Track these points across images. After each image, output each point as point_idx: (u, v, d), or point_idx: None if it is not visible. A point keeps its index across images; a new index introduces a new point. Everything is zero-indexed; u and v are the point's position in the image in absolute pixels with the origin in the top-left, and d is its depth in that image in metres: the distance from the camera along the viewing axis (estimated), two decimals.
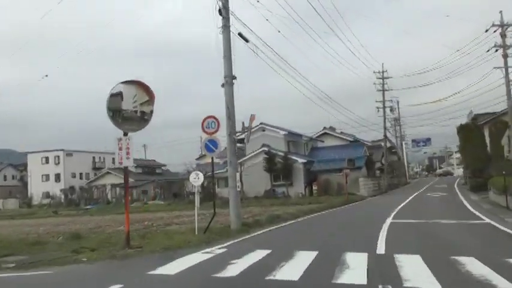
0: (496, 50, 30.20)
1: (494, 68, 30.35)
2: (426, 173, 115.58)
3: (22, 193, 71.30)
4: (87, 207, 48.33)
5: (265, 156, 38.67)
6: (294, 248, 9.45)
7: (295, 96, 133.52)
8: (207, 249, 9.67)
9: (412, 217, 16.69)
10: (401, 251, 8.77)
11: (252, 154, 40.00)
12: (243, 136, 41.73)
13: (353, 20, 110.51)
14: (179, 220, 21.57)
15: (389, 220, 15.55)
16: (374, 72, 50.02)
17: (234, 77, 15.45)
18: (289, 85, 45.23)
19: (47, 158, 72.50)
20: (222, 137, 14.17)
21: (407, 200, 26.77)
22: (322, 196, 34.68)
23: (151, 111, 10.48)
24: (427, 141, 79.44)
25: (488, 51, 30.67)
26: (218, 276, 6.89)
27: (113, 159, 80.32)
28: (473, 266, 7.12)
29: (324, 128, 53.66)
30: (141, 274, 7.30)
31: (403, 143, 72.84)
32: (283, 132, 41.69)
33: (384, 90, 50.30)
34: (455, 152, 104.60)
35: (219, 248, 9.91)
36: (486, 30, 30.54)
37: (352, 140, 51.57)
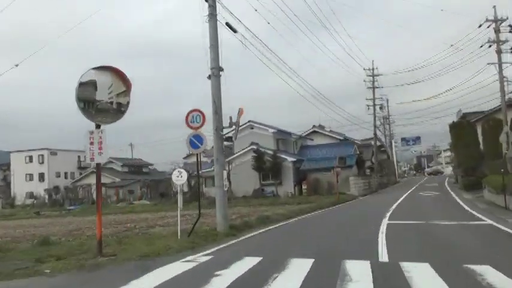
0: (490, 46, 29.63)
1: (488, 64, 29.79)
2: (414, 172, 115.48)
3: (5, 193, 69.43)
4: (71, 207, 47.04)
5: (254, 154, 37.73)
6: (287, 254, 8.49)
7: (284, 94, 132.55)
8: (190, 257, 8.62)
9: (408, 218, 15.84)
10: (406, 257, 7.86)
11: (240, 152, 39.04)
12: (231, 134, 40.89)
13: (344, 16, 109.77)
14: (164, 222, 20.55)
15: (385, 221, 14.68)
16: (364, 69, 49.41)
17: (221, 69, 14.47)
18: (278, 83, 44.63)
19: (30, 157, 70.83)
20: (207, 132, 13.12)
21: (400, 200, 25.96)
22: (312, 196, 33.84)
23: (128, 103, 9.41)
24: (416, 139, 78.95)
25: (481, 46, 30.12)
26: None
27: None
28: (492, 276, 6.21)
29: (314, 126, 52.94)
30: None
31: (393, 141, 72.34)
32: (272, 130, 40.75)
33: (374, 88, 49.64)
34: (444, 151, 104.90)
35: (204, 255, 8.86)
36: (479, 26, 30.02)
37: (341, 138, 50.90)
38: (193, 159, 52.21)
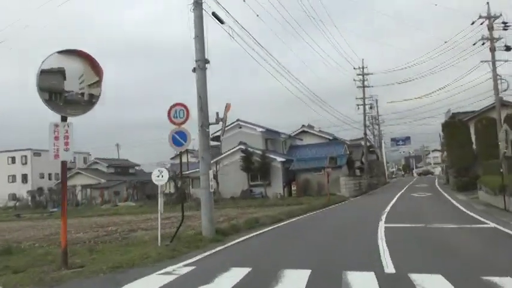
0: (483, 43, 28.93)
1: (482, 61, 29.04)
2: (403, 173, 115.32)
3: None
4: (53, 210, 45.61)
5: (242, 154, 36.72)
6: (279, 264, 7.50)
7: (273, 94, 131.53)
8: (169, 268, 7.55)
9: (406, 221, 14.97)
10: (414, 268, 6.93)
11: (228, 152, 38.03)
12: (218, 133, 39.95)
13: (335, 12, 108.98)
14: (147, 225, 19.50)
15: (382, 224, 13.78)
16: (354, 68, 48.70)
17: (207, 61, 13.45)
18: (266, 83, 43.46)
19: (13, 158, 69.23)
20: (189, 128, 12.02)
21: (393, 201, 25.12)
22: (302, 197, 32.94)
23: (100, 94, 8.34)
24: (406, 140, 78.39)
25: (474, 44, 29.41)
26: None
27: (84, 158, 78.23)
28: None
29: (303, 126, 52.11)
30: None
31: (383, 141, 71.73)
32: (261, 130, 39.77)
33: (364, 87, 48.94)
34: (433, 151, 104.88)
35: (185, 266, 7.79)
36: (472, 23, 29.30)
37: (331, 138, 50.11)
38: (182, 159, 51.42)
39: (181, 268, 7.56)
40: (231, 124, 39.24)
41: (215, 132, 38.33)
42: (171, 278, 6.78)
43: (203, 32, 13.59)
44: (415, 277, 6.25)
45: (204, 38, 13.56)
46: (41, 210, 46.68)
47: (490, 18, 28.55)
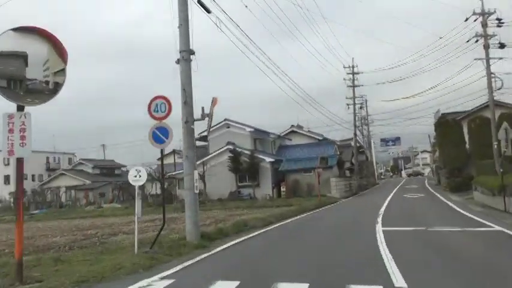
0: (477, 41, 28.27)
1: (475, 59, 28.34)
2: (391, 174, 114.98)
3: None
4: (35, 212, 44.37)
5: (230, 154, 35.66)
6: (272, 276, 6.52)
7: (261, 94, 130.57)
8: (143, 282, 6.49)
9: (404, 223, 14.08)
10: (427, 281, 5.99)
11: (216, 152, 36.95)
12: (205, 133, 38.81)
13: (326, 8, 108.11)
14: (129, 228, 18.39)
15: (379, 228, 12.86)
16: (344, 67, 47.92)
17: (192, 52, 12.43)
18: (255, 83, 42.40)
19: None
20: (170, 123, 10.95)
21: (386, 203, 24.23)
22: (292, 198, 31.92)
23: (64, 81, 7.26)
24: (396, 140, 77.77)
25: (468, 41, 28.73)
26: None
27: (69, 159, 76.55)
28: None
29: (292, 126, 51.20)
30: None
31: (372, 141, 71.10)
32: (249, 129, 38.73)
33: (354, 86, 48.20)
34: (422, 152, 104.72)
35: (163, 278, 6.72)
36: (466, 19, 28.64)
37: (320, 138, 49.26)
38: (169, 160, 50.27)
39: (157, 282, 6.48)
40: (218, 124, 38.24)
41: (202, 132, 37.31)
42: None
43: (188, 20, 12.59)
44: None
45: (188, 27, 12.58)
46: (24, 212, 45.36)
47: (484, 14, 27.92)
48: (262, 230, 14.00)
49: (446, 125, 31.77)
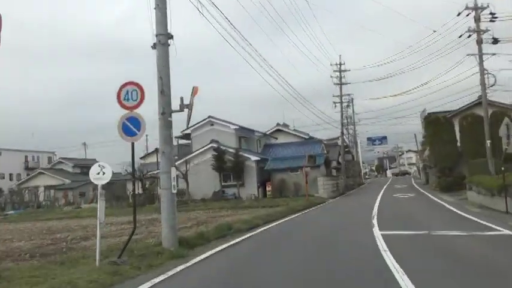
0: (469, 36, 27.37)
1: (468, 55, 27.48)
2: (376, 174, 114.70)
3: None
4: (10, 212, 42.53)
5: (214, 153, 34.32)
6: None
7: (246, 91, 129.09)
8: None
9: (402, 226, 12.98)
10: None
11: (200, 151, 35.58)
12: (188, 131, 37.52)
13: (316, 6, 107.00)
14: (104, 231, 16.79)
15: (377, 231, 11.69)
16: (331, 64, 46.86)
17: (170, 35, 11.06)
18: (242, 81, 41.09)
19: None
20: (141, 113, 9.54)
21: (377, 203, 23.09)
22: (278, 198, 30.73)
23: None
24: (382, 139, 77.12)
25: (460, 36, 27.84)
26: None
27: (49, 158, 74.09)
28: None
29: (278, 124, 50.12)
30: None
31: (358, 141, 70.33)
32: (234, 127, 37.43)
33: (341, 84, 47.18)
34: (407, 152, 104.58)
35: None
36: (458, 14, 27.73)
37: (306, 137, 48.23)
38: (152, 159, 48.64)
39: None
40: (202, 121, 36.94)
41: (184, 130, 35.93)
42: None
43: (165, 1, 11.23)
44: None
45: (166, 8, 11.21)
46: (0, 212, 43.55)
47: (477, 9, 27.04)
48: (247, 234, 12.66)
49: (437, 123, 30.82)
